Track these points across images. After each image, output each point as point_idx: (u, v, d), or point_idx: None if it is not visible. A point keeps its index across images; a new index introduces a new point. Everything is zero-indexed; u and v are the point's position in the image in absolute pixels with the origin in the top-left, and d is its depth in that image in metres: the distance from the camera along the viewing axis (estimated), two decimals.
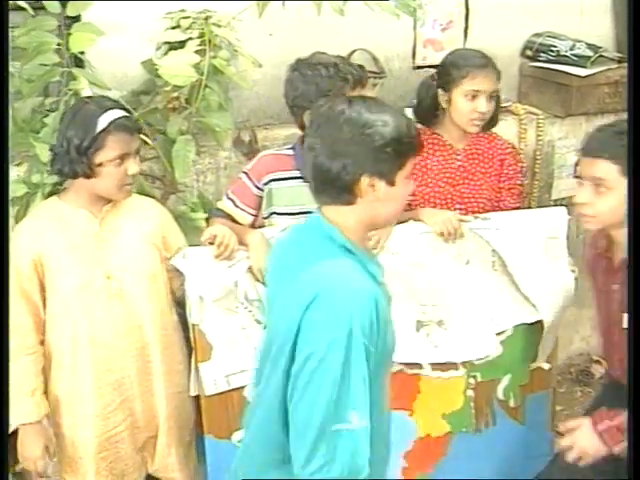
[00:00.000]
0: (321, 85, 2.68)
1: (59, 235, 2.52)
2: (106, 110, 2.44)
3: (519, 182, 3.14)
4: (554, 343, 3.05)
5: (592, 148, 2.34)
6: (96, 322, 2.56)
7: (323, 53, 2.93)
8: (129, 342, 2.61)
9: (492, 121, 3.07)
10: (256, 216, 2.86)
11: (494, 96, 2.96)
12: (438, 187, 3.04)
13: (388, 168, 1.86)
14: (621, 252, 2.42)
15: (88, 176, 2.46)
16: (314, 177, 1.92)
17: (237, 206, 2.83)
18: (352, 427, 1.75)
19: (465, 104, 2.95)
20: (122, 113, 2.47)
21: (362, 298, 1.81)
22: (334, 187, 1.88)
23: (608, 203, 2.33)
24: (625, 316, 2.38)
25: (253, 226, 2.84)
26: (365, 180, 1.85)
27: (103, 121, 2.41)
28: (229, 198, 2.85)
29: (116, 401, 2.63)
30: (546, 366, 3.04)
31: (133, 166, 2.50)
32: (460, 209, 3.00)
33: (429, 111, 3.07)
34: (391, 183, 1.88)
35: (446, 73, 3.00)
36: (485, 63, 2.94)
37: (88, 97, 2.57)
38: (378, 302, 1.85)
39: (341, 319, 1.76)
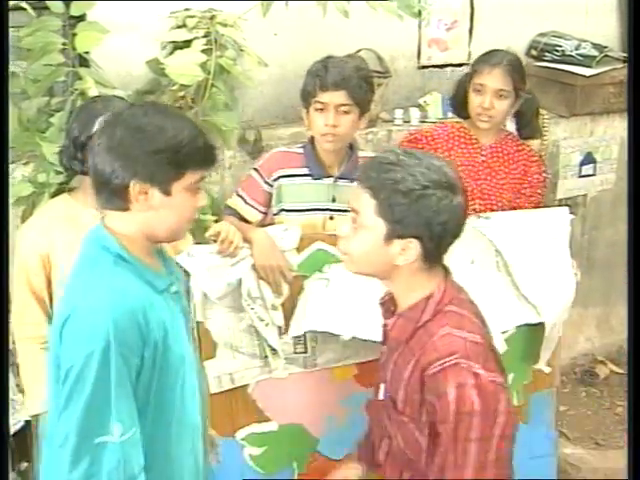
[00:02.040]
0: (305, 82, 2.73)
1: (68, 232, 2.48)
2: (104, 112, 2.38)
3: (539, 192, 3.14)
4: (556, 344, 3.03)
5: (358, 175, 1.94)
6: None
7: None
8: None
9: (526, 128, 3.10)
10: (265, 214, 2.87)
11: (503, 95, 2.95)
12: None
13: (161, 176, 1.80)
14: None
15: (84, 173, 2.42)
16: (92, 179, 1.87)
17: (247, 202, 2.84)
18: (115, 439, 1.75)
19: (474, 98, 2.99)
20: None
21: (121, 309, 1.78)
22: (107, 190, 1.83)
23: (360, 244, 1.89)
24: (382, 386, 2.03)
25: (263, 224, 2.84)
26: (135, 185, 1.79)
27: (97, 124, 2.35)
28: (239, 195, 2.86)
29: None
30: (547, 369, 3.04)
31: None
32: (480, 205, 3.01)
33: (460, 104, 3.09)
34: (166, 192, 1.82)
35: (470, 68, 3.07)
36: (497, 61, 2.95)
37: (99, 96, 2.56)
38: (147, 311, 1.82)
39: (97, 332, 1.74)
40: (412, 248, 1.83)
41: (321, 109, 2.69)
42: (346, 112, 2.68)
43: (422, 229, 1.81)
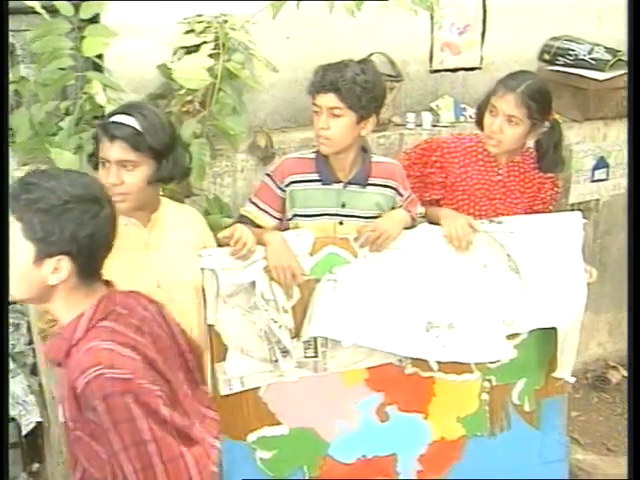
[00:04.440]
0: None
1: None
2: (118, 114, 2.42)
3: (551, 206, 3.11)
4: (575, 352, 3.01)
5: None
6: None
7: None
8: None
9: (544, 161, 3.01)
10: (280, 220, 2.87)
11: (514, 122, 2.87)
12: (475, 197, 3.02)
13: None
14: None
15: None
16: None
17: (260, 208, 2.85)
18: None
19: (487, 118, 2.94)
20: (115, 119, 2.41)
21: None
22: None
23: (11, 271, 1.82)
24: (60, 408, 1.92)
25: (278, 230, 2.84)
26: None
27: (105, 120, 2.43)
28: (252, 202, 2.88)
29: None
30: (571, 380, 3.03)
31: (112, 176, 2.39)
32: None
33: (481, 118, 3.01)
34: None
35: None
36: (513, 86, 2.87)
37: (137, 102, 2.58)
38: None
39: None
40: (63, 266, 1.79)
41: (316, 111, 2.75)
42: (337, 115, 2.71)
43: (69, 244, 1.77)
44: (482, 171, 3.03)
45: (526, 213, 3.05)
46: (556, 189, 3.15)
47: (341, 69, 2.70)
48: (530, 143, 3.05)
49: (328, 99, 2.70)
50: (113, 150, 2.39)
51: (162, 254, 2.54)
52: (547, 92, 2.95)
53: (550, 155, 3.01)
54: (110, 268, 2.39)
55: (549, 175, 3.09)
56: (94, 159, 2.46)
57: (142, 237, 2.52)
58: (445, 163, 3.03)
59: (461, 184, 3.02)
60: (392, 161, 2.99)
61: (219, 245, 2.72)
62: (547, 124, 2.96)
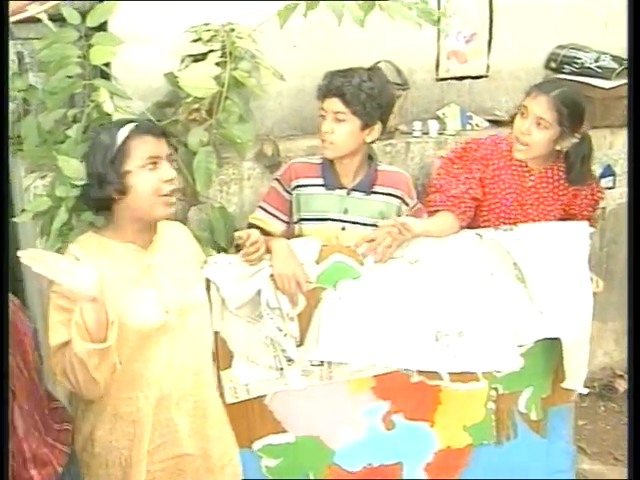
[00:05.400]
0: None
1: (110, 269, 2.28)
2: (125, 124, 2.31)
3: (586, 213, 3.08)
4: (586, 363, 2.99)
5: None
6: (152, 359, 2.34)
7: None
8: (182, 380, 2.40)
9: (571, 173, 2.99)
10: (288, 224, 2.91)
11: (543, 125, 2.86)
12: (505, 200, 3.02)
13: None
14: None
15: (121, 192, 2.25)
16: None
17: (269, 213, 2.89)
18: None
19: (517, 120, 2.94)
20: (142, 121, 2.41)
21: None
22: None
23: None
24: None
25: (286, 237, 2.86)
26: None
27: (123, 132, 2.27)
28: (261, 207, 2.91)
29: (156, 442, 2.39)
30: (584, 391, 3.02)
31: (168, 170, 2.28)
32: None
33: None
34: None
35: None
36: (546, 89, 2.88)
37: (108, 123, 2.49)
38: None
39: None
40: None
41: (322, 116, 2.80)
42: (341, 120, 2.75)
43: None
44: (514, 175, 3.02)
45: (560, 218, 3.04)
46: (598, 195, 3.12)
47: (348, 75, 2.76)
48: None
49: (333, 103, 2.75)
50: (162, 146, 2.32)
51: (166, 276, 2.38)
52: (580, 103, 2.93)
53: (577, 168, 2.98)
54: (114, 295, 2.24)
55: (588, 183, 3.06)
56: (126, 176, 2.26)
57: (144, 261, 2.35)
58: (484, 161, 3.02)
59: (492, 187, 3.02)
60: (399, 170, 3.01)
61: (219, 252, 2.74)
62: (577, 136, 2.94)
